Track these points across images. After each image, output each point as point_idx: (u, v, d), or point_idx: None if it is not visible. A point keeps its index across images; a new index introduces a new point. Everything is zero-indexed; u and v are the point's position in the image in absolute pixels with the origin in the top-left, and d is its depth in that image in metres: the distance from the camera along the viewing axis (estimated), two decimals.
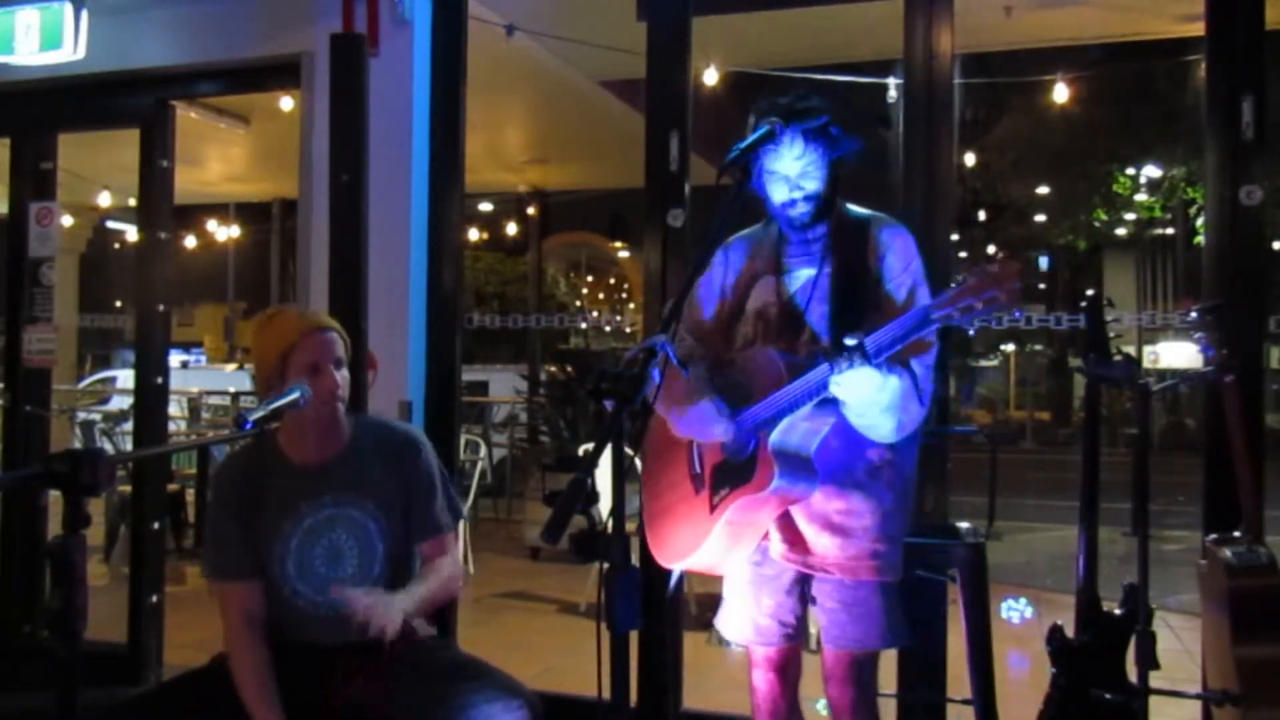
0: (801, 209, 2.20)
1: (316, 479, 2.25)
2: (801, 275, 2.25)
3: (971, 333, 1.97)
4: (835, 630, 2.18)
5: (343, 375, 2.23)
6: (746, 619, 2.28)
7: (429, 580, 2.26)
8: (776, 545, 2.21)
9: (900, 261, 2.19)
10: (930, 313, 1.89)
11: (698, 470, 2.22)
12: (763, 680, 2.30)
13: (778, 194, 2.21)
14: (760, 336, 2.25)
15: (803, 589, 2.24)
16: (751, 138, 2.09)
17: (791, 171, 2.17)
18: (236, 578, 2.25)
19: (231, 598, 2.24)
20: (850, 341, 1.95)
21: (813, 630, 2.29)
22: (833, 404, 2.06)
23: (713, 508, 2.15)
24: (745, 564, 2.27)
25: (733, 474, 2.13)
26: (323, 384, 2.18)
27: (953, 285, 1.88)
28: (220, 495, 2.37)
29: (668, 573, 2.40)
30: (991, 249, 21.50)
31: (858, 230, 2.23)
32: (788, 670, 2.30)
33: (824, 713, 2.27)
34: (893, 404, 2.05)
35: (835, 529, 2.15)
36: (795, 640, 2.29)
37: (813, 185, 2.18)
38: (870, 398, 2.03)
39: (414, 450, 2.34)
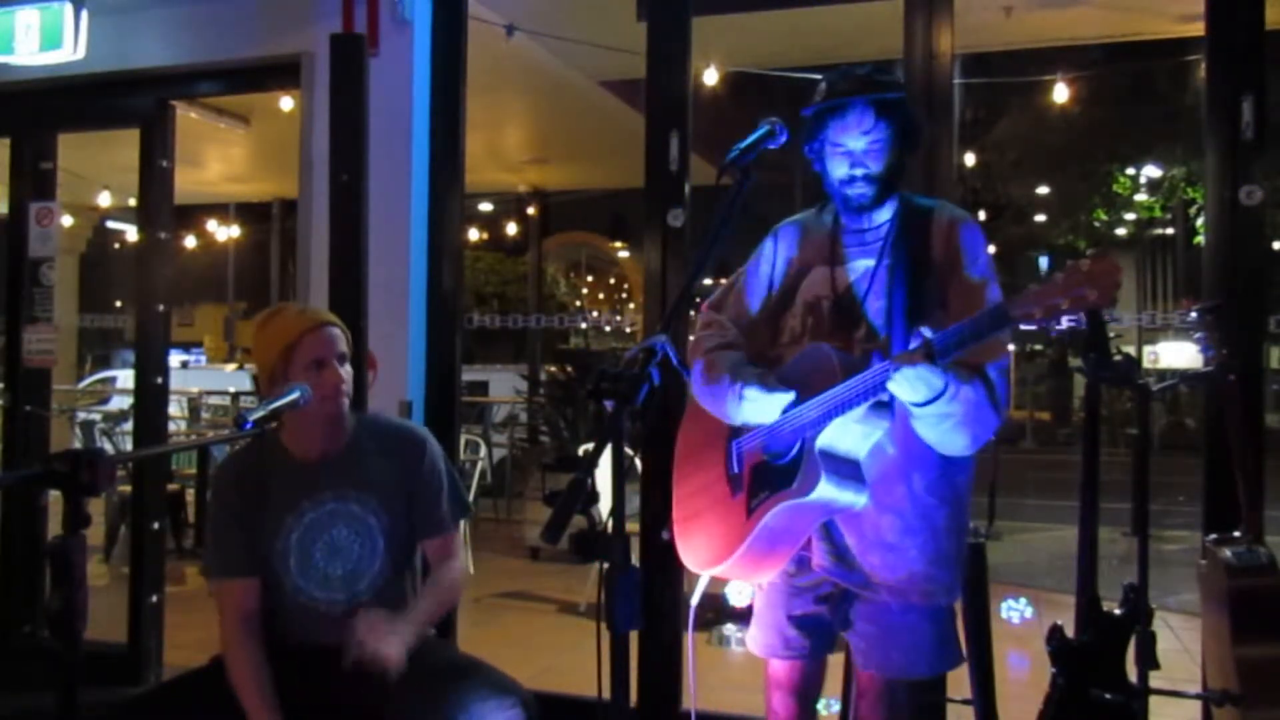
0: (860, 189, 2.04)
1: (318, 474, 2.26)
2: (859, 266, 2.08)
3: (1054, 334, 1.84)
4: (878, 656, 2.02)
5: (346, 370, 2.24)
6: (775, 630, 2.14)
7: (430, 599, 2.25)
8: (817, 557, 2.04)
9: (969, 254, 2.02)
10: (1009, 310, 1.71)
11: (736, 471, 2.08)
12: (782, 704, 2.18)
13: (838, 170, 2.06)
14: (810, 331, 2.09)
15: (841, 605, 2.05)
16: (751, 137, 1.98)
17: (857, 147, 2.02)
18: (234, 574, 2.25)
19: (229, 595, 2.24)
20: (915, 339, 1.79)
21: (857, 645, 2.10)
22: (889, 408, 1.90)
23: (750, 511, 1.99)
24: (779, 574, 2.11)
25: (774, 477, 1.97)
26: (326, 380, 2.18)
27: (1033, 284, 1.69)
28: (221, 492, 2.37)
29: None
30: (991, 249, 21.49)
31: (922, 219, 2.06)
32: (809, 694, 2.18)
33: (826, 713, 2.24)
34: (966, 417, 1.87)
35: (886, 546, 1.98)
36: (822, 656, 2.16)
37: (876, 166, 2.03)
38: (939, 410, 1.85)
39: (417, 447, 2.33)
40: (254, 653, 2.19)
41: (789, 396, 1.97)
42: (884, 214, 2.10)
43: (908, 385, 1.81)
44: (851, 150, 2.04)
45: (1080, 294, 1.64)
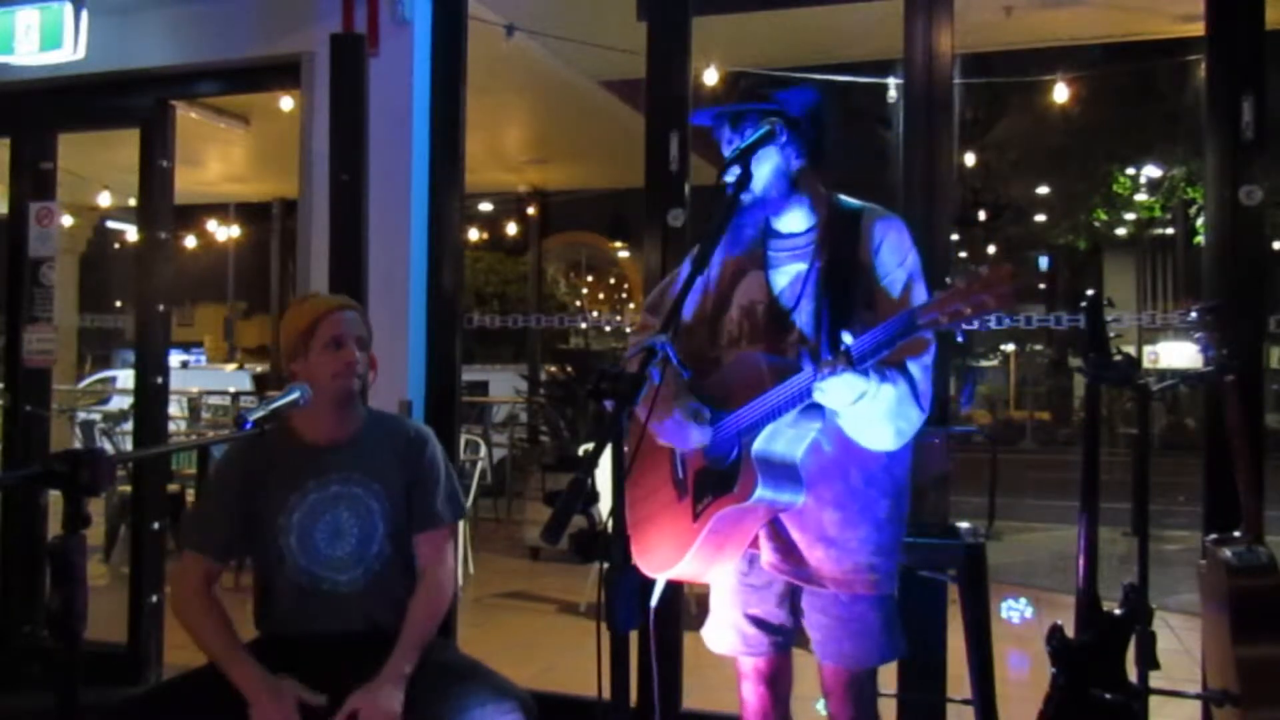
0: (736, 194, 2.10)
1: (326, 457, 2.32)
2: (789, 271, 2.15)
3: (960, 338, 1.90)
4: (832, 646, 2.10)
5: (361, 355, 2.32)
6: (733, 629, 2.20)
7: (414, 629, 2.26)
8: (766, 554, 2.11)
9: (895, 255, 2.09)
10: (916, 317, 1.80)
11: (680, 476, 2.14)
12: (752, 693, 2.24)
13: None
14: (746, 335, 2.16)
15: (793, 599, 2.16)
16: (751, 137, 2.04)
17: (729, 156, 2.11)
18: (206, 552, 2.32)
19: (193, 569, 2.30)
20: (838, 348, 1.87)
21: (813, 637, 2.19)
22: (820, 409, 1.97)
23: (695, 516, 2.06)
24: (732, 573, 2.19)
25: (716, 481, 2.04)
26: (341, 358, 2.28)
27: (939, 290, 1.79)
28: (222, 470, 2.43)
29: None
30: (992, 249, 21.51)
31: (849, 223, 2.12)
32: (778, 682, 2.23)
33: (824, 712, 2.25)
34: (888, 413, 1.97)
35: (829, 540, 2.05)
36: (785, 651, 2.21)
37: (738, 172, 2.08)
38: (862, 408, 1.94)
39: (421, 442, 2.42)
40: (216, 610, 2.25)
41: (704, 434, 2.06)
42: (805, 220, 2.16)
43: (832, 392, 1.90)
44: (729, 159, 2.10)
45: (980, 300, 1.72)
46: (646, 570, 2.17)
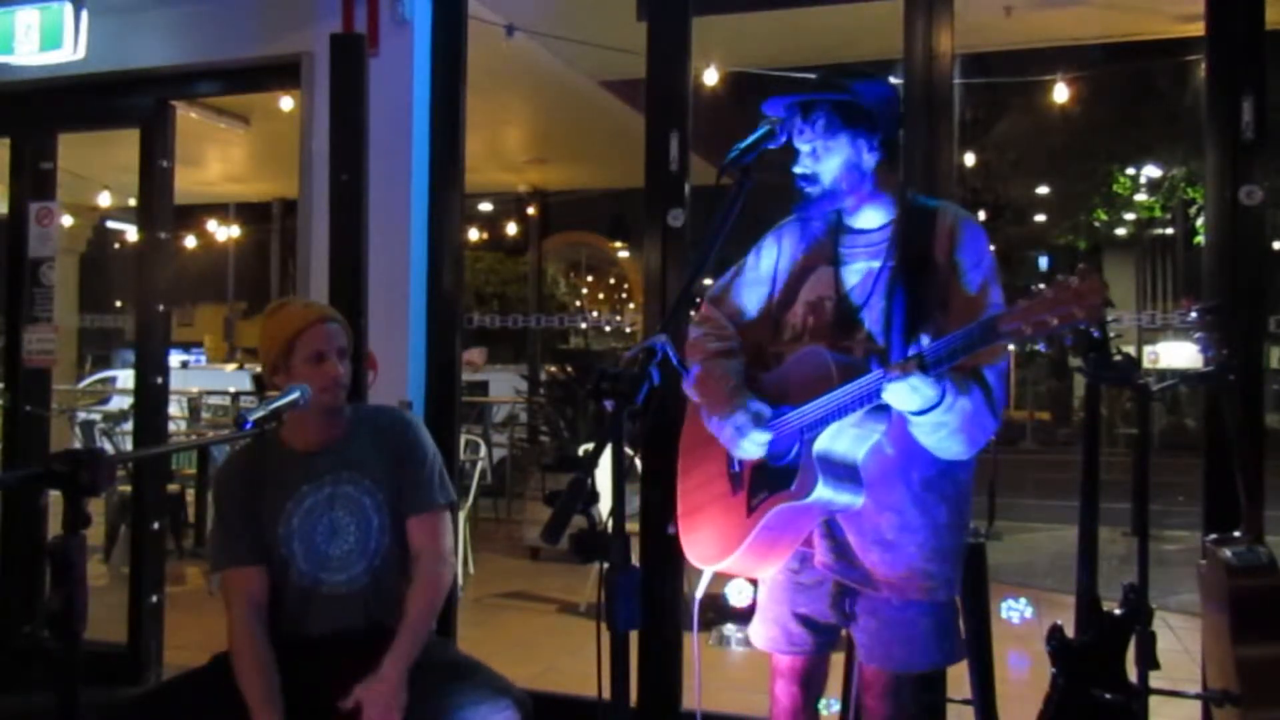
0: (804, 187, 2.09)
1: (317, 461, 2.32)
2: (861, 268, 2.09)
3: (1043, 347, 1.85)
4: (879, 650, 2.05)
5: (345, 365, 2.30)
6: (778, 626, 2.16)
7: (413, 618, 2.25)
8: (820, 554, 2.06)
9: (971, 256, 2.02)
10: (998, 325, 1.72)
11: (736, 469, 2.10)
12: (785, 693, 2.19)
13: (796, 167, 2.10)
14: (811, 331, 2.10)
15: (843, 601, 2.08)
16: (751, 138, 2.01)
17: (803, 148, 2.07)
18: (242, 563, 2.29)
19: (237, 584, 2.27)
20: (911, 351, 1.83)
21: (859, 639, 2.13)
22: (886, 411, 1.91)
23: (750, 510, 2.02)
24: (783, 570, 2.14)
25: (773, 478, 2.00)
26: (325, 373, 2.25)
27: (1022, 300, 1.70)
28: (225, 486, 2.41)
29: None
30: (991, 249, 21.46)
31: (926, 220, 2.06)
32: (812, 684, 2.20)
33: (827, 712, 2.24)
34: (963, 425, 1.90)
35: (885, 544, 2.00)
36: (825, 652, 2.18)
37: (813, 165, 2.07)
38: (936, 418, 1.87)
39: (404, 427, 2.41)
40: (261, 645, 2.22)
41: (767, 436, 2.02)
42: (879, 217, 2.12)
43: (901, 395, 1.84)
44: (800, 150, 2.08)
45: (1067, 312, 1.65)
46: (696, 562, 2.16)
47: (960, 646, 2.13)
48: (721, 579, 2.34)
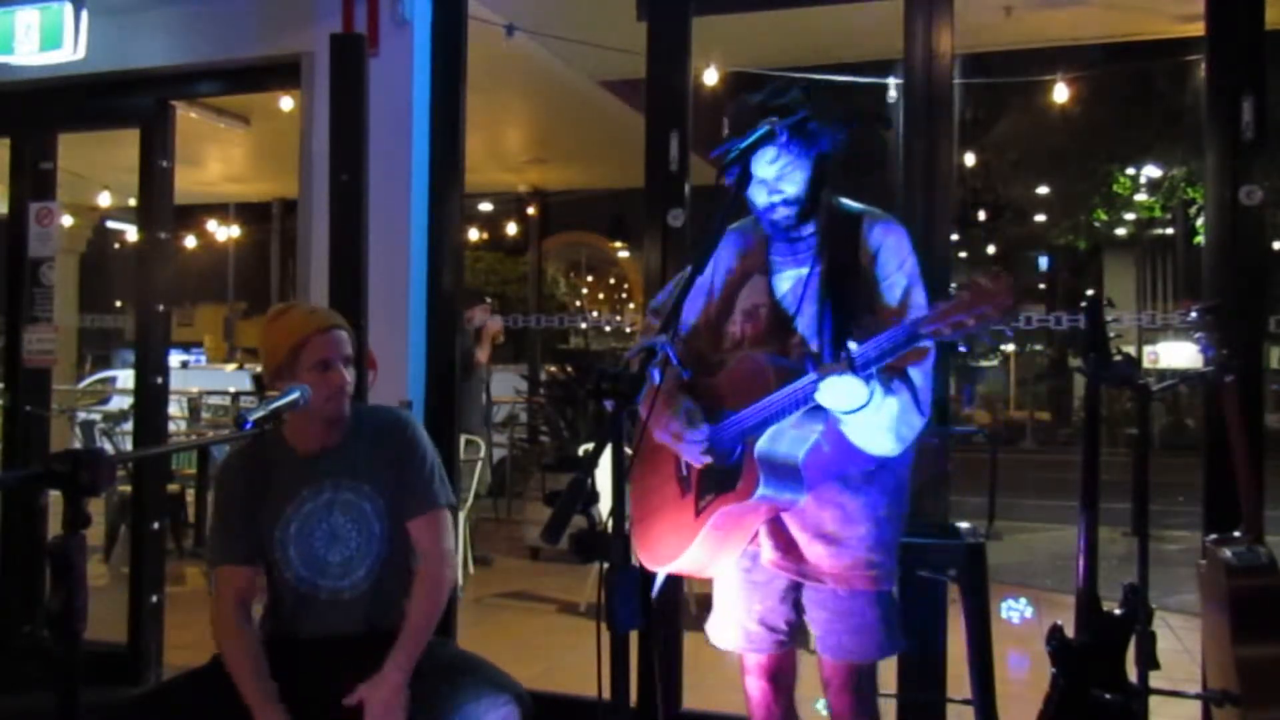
0: (782, 213, 2.13)
1: (318, 465, 2.31)
2: (791, 275, 2.18)
3: (964, 348, 1.93)
4: (831, 640, 2.14)
5: (350, 372, 2.29)
6: (736, 626, 2.23)
7: (415, 620, 2.25)
8: (767, 552, 2.15)
9: (894, 260, 2.11)
10: (919, 328, 1.83)
11: (684, 473, 2.17)
12: (756, 688, 2.26)
13: (759, 198, 2.14)
14: (749, 338, 2.19)
15: (795, 595, 2.19)
16: (751, 138, 2.01)
17: (769, 175, 2.09)
18: (234, 560, 2.30)
19: (226, 580, 2.28)
20: (842, 355, 1.90)
21: (813, 632, 2.23)
22: (823, 411, 2.00)
23: (698, 512, 2.10)
24: (735, 569, 2.22)
25: (718, 479, 2.08)
26: (331, 381, 2.23)
27: (941, 301, 1.82)
28: (226, 483, 2.41)
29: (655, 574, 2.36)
30: (991, 249, 21.50)
31: (849, 227, 2.14)
32: (781, 677, 2.26)
33: (824, 712, 2.26)
34: (892, 422, 2.00)
35: (828, 537, 2.09)
36: (788, 647, 2.23)
37: (792, 189, 2.11)
38: (865, 417, 1.97)
39: (401, 427, 2.39)
40: (249, 637, 2.23)
41: (702, 435, 2.09)
42: (813, 224, 2.17)
43: (833, 396, 1.93)
44: (765, 179, 2.10)
45: (982, 312, 1.75)
46: (649, 563, 2.22)
47: (902, 638, 2.18)
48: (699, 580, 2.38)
